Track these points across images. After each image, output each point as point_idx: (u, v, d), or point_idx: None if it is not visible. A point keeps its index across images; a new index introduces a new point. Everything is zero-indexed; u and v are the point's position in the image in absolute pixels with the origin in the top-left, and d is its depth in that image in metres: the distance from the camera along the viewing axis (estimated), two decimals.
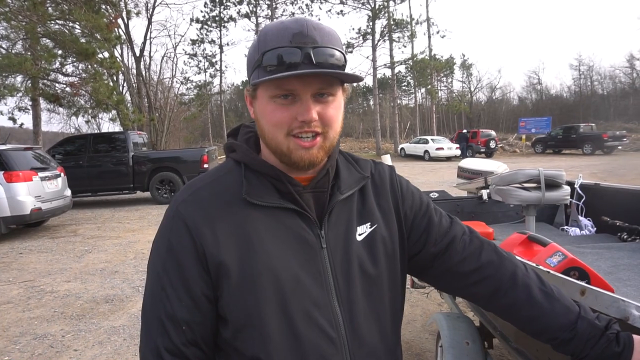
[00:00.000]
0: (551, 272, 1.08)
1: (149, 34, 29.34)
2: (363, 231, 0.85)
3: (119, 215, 9.87)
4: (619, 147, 23.15)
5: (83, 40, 14.19)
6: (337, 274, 0.78)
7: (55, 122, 71.67)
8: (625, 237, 2.83)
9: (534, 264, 1.19)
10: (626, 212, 2.95)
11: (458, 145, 24.57)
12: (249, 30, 36.11)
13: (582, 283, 0.98)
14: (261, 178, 0.79)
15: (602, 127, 29.25)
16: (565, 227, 3.35)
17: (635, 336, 0.78)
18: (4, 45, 14.05)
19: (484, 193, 3.65)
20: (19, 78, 13.84)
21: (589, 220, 3.24)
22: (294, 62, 0.71)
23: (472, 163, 3.95)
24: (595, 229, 3.16)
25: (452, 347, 2.09)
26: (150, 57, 31.50)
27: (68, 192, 8.84)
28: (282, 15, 34.50)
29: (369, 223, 0.86)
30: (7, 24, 12.67)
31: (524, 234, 1.63)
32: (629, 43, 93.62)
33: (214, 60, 35.49)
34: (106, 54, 15.98)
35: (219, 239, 0.74)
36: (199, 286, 0.74)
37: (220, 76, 36.32)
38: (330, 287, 0.77)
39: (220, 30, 35.11)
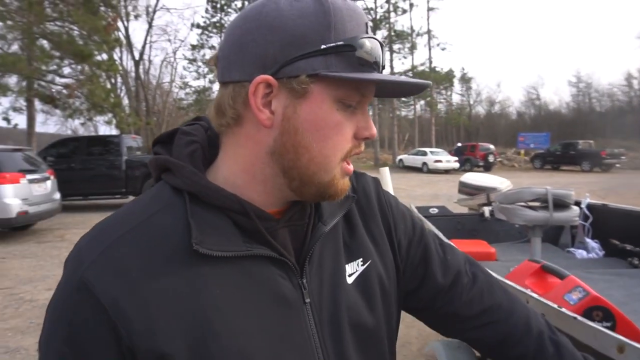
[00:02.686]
0: (578, 318, 0.91)
1: (149, 37, 29.40)
2: (354, 270, 0.65)
3: None
4: (617, 165, 23.14)
5: (80, 42, 14.07)
6: (325, 335, 0.58)
7: (51, 124, 71.44)
8: (636, 262, 2.68)
9: (555, 306, 1.01)
10: (636, 236, 2.79)
11: (457, 159, 24.50)
12: None
13: (622, 338, 0.80)
14: (216, 213, 0.53)
15: (600, 144, 29.27)
16: (571, 248, 3.18)
17: None
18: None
19: (486, 210, 3.50)
20: (14, 78, 13.69)
21: (596, 242, 3.08)
22: (382, 62, 0.55)
23: (474, 178, 3.79)
24: (603, 252, 3.00)
25: None
26: (149, 61, 31.59)
27: (57, 196, 8.59)
28: None
29: (361, 259, 0.66)
30: (2, 24, 12.53)
31: (537, 263, 1.45)
32: (626, 61, 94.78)
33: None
34: (105, 56, 15.87)
35: (157, 322, 0.48)
36: None
37: None
38: (316, 355, 0.57)
39: (220, 37, 35.17)
